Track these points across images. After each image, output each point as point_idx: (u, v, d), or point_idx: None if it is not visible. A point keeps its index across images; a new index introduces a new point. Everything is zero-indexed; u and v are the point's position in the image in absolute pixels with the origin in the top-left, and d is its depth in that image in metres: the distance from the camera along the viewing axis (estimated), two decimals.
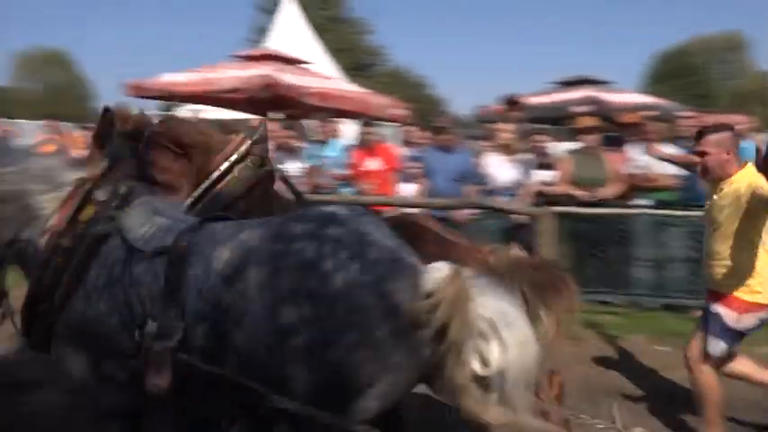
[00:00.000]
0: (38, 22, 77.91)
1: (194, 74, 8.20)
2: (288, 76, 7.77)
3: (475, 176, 5.95)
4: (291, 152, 6.50)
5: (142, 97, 9.25)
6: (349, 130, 8.57)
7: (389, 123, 9.67)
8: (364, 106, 8.58)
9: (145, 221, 2.07)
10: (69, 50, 52.08)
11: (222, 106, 9.13)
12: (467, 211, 5.57)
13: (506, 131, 6.22)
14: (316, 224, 1.79)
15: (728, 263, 3.04)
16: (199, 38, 77.10)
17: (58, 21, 79.76)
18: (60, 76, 50.05)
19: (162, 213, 2.13)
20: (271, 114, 8.12)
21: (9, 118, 13.30)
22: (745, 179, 2.97)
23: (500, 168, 6.03)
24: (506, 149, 6.11)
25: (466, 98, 67.53)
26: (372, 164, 5.97)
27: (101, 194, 2.21)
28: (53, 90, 48.52)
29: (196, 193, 2.45)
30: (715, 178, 3.13)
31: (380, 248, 1.71)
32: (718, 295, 3.09)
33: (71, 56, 51.58)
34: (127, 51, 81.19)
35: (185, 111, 10.50)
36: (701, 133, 3.14)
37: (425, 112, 21.10)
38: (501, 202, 5.13)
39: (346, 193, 6.23)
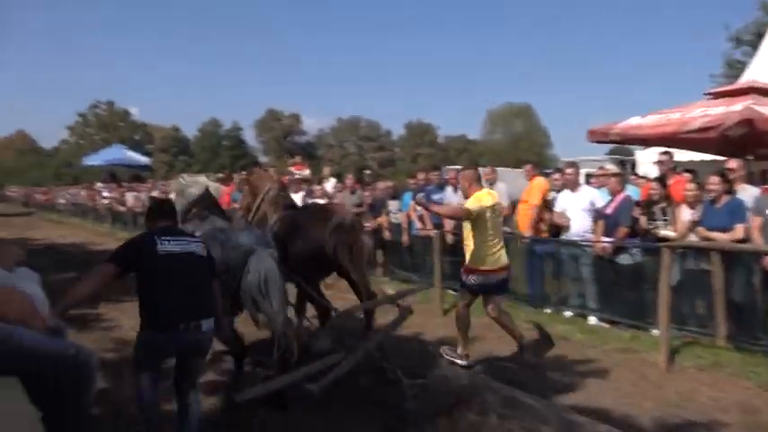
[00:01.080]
0: (507, 81, 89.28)
1: (660, 115, 7.90)
2: None
3: None
4: None
5: (600, 142, 9.37)
6: None
7: None
8: None
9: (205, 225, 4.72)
10: (532, 104, 57.68)
11: (691, 148, 8.51)
12: None
13: None
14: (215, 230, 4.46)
15: (468, 247, 5.43)
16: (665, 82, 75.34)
17: (525, 78, 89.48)
18: (522, 127, 55.99)
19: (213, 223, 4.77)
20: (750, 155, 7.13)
21: (451, 165, 15.04)
22: (472, 197, 5.40)
23: None
24: None
25: None
26: None
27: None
28: (515, 139, 54.61)
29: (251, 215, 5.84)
30: (466, 197, 5.57)
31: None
32: (466, 268, 5.50)
33: (533, 109, 57.26)
34: (589, 100, 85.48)
35: (650, 154, 10.14)
36: (461, 170, 5.97)
37: None
38: None
39: None
